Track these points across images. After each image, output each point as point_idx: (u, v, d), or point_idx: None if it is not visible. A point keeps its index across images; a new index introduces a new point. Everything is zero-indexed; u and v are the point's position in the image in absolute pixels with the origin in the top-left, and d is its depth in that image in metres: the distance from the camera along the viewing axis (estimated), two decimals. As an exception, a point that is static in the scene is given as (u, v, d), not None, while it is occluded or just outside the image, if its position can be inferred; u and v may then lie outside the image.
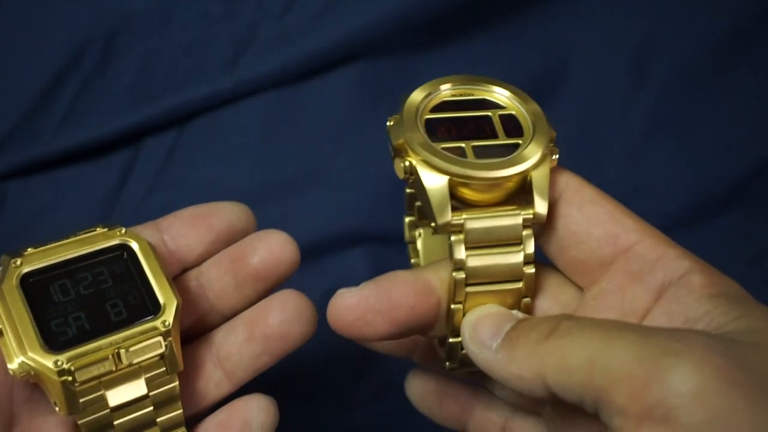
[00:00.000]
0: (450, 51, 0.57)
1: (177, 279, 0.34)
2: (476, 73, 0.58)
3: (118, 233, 0.33)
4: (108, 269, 0.32)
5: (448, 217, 0.29)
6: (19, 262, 0.31)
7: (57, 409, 0.29)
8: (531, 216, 0.29)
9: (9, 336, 0.29)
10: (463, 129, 0.31)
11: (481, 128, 0.31)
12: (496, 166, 0.29)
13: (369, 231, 0.53)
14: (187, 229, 0.35)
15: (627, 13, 0.59)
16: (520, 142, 0.30)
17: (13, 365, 0.28)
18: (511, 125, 0.31)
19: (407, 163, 0.30)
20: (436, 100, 0.32)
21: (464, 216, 0.29)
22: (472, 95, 0.32)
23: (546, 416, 0.33)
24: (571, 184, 0.30)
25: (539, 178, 0.30)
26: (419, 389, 0.37)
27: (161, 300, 0.31)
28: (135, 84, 0.55)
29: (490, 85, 0.32)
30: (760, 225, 0.56)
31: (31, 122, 0.53)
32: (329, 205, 0.54)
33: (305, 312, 0.33)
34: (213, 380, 0.33)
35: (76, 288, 0.31)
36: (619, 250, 0.29)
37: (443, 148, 0.30)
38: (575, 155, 0.58)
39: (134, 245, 0.32)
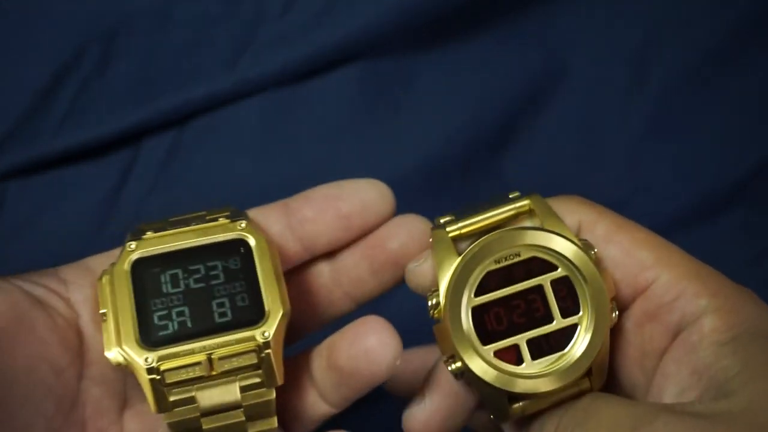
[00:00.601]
0: (450, 51, 0.57)
1: (305, 267, 0.33)
2: (477, 72, 0.58)
3: (239, 226, 0.32)
4: (222, 264, 0.30)
5: (508, 419, 0.28)
6: (133, 246, 0.30)
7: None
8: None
9: (110, 322, 0.28)
10: (513, 313, 0.28)
11: (534, 309, 0.28)
12: (555, 377, 0.27)
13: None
14: (316, 213, 0.33)
15: (627, 14, 0.59)
16: (577, 321, 0.27)
17: (110, 353, 0.28)
18: (565, 295, 0.28)
19: (459, 365, 0.28)
20: (481, 271, 0.28)
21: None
22: (519, 256, 0.28)
23: None
24: (584, 221, 0.29)
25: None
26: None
27: (267, 307, 0.29)
28: (135, 84, 0.55)
29: (537, 231, 0.28)
30: (760, 225, 0.56)
31: (31, 122, 0.53)
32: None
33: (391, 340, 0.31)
34: (310, 399, 0.32)
35: (186, 280, 0.30)
36: (637, 291, 0.28)
37: (496, 353, 0.27)
38: (575, 156, 0.58)
39: (251, 241, 0.31)
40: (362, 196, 0.33)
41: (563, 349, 0.27)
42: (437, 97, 0.57)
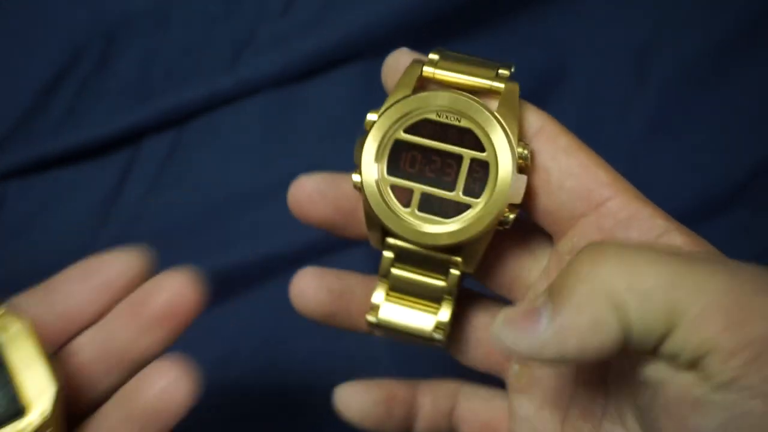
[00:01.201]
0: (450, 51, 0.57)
1: (68, 344, 0.31)
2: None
3: None
4: None
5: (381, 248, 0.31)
6: None
7: None
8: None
9: None
10: (427, 165, 0.29)
11: (445, 172, 0.29)
12: (424, 232, 0.29)
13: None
14: (77, 287, 0.32)
15: (628, 13, 0.59)
16: (472, 204, 0.28)
17: None
18: (477, 177, 0.29)
19: (357, 178, 0.30)
20: (418, 116, 0.29)
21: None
22: (459, 122, 0.29)
23: (513, 375, 0.32)
24: (546, 130, 0.29)
25: (472, 250, 0.29)
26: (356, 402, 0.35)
27: (30, 394, 0.26)
28: (134, 84, 0.55)
29: (488, 113, 0.29)
30: (760, 225, 0.56)
31: (31, 122, 0.53)
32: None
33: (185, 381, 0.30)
34: None
35: None
36: (591, 205, 0.28)
37: (392, 186, 0.29)
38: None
39: (3, 334, 0.28)
40: (122, 264, 0.32)
41: (447, 218, 0.29)
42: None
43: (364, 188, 0.29)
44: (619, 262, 0.23)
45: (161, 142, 0.55)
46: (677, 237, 0.28)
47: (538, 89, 0.58)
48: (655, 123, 0.58)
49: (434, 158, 0.29)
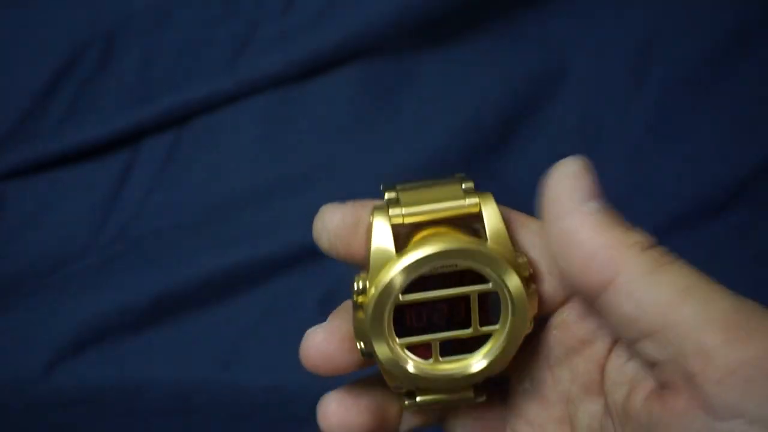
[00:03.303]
0: (450, 51, 0.57)
1: None
2: (477, 72, 0.58)
3: None
4: None
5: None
6: None
7: None
8: None
9: None
10: (434, 314, 0.28)
11: (455, 314, 0.28)
12: (454, 371, 0.27)
13: (369, 231, 0.53)
14: None
15: (627, 14, 0.59)
16: (492, 332, 0.27)
17: None
18: (488, 306, 0.28)
19: (366, 349, 0.28)
20: (416, 275, 0.28)
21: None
22: (456, 266, 0.27)
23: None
24: (512, 219, 0.28)
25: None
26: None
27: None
28: (134, 84, 0.55)
29: (480, 249, 0.27)
30: (760, 225, 0.56)
31: (31, 122, 0.53)
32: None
33: None
34: None
35: None
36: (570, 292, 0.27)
37: (409, 347, 0.28)
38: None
39: None
40: None
41: (471, 352, 0.28)
42: (437, 96, 0.57)
43: (383, 364, 0.28)
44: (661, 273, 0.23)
45: (161, 143, 0.55)
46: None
47: (538, 89, 0.58)
48: (655, 123, 0.58)
49: (440, 306, 0.28)
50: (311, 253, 0.52)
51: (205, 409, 0.49)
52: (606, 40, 0.58)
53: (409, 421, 0.30)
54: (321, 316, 0.52)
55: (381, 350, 0.28)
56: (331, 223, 0.32)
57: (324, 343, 0.30)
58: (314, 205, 0.57)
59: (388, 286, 0.27)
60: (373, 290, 0.28)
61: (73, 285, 0.51)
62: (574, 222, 0.24)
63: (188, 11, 0.55)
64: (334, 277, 0.52)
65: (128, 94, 0.54)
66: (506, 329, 0.27)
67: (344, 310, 0.30)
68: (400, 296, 0.27)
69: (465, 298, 0.27)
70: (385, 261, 0.28)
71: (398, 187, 0.29)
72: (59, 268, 0.52)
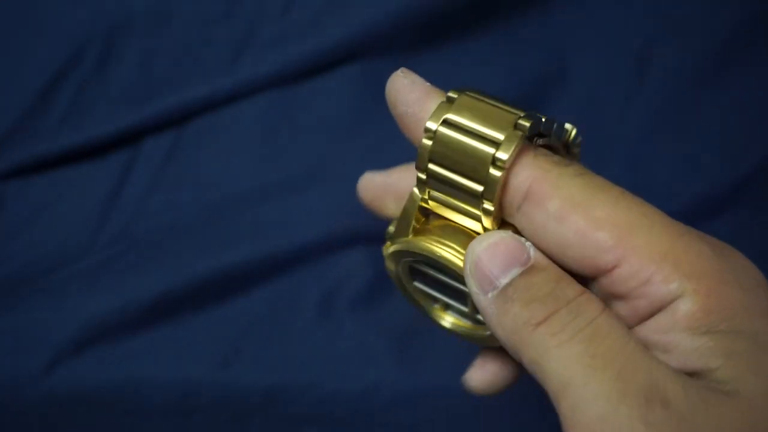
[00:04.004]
0: (450, 51, 0.57)
1: None
2: (477, 72, 0.59)
3: None
4: None
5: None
6: None
7: None
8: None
9: None
10: (441, 286, 0.29)
11: (458, 293, 0.29)
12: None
13: (369, 231, 0.53)
14: None
15: (627, 13, 0.59)
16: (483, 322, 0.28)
17: None
18: None
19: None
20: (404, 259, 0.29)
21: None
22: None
23: None
24: (533, 194, 0.25)
25: None
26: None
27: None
28: (134, 84, 0.55)
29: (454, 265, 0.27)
30: (760, 225, 0.56)
31: (31, 122, 0.53)
32: (329, 204, 0.54)
33: None
34: None
35: None
36: (599, 272, 0.25)
37: (415, 289, 0.30)
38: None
39: None
40: None
41: (468, 321, 0.30)
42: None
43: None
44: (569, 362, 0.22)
45: (161, 142, 0.55)
46: (686, 305, 0.23)
47: (538, 90, 0.58)
48: (655, 123, 0.58)
49: (446, 283, 0.29)
50: (311, 253, 0.52)
51: (205, 409, 0.49)
52: (606, 41, 0.59)
53: None
54: (321, 317, 0.52)
55: (406, 297, 0.30)
56: (372, 183, 0.34)
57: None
58: (314, 205, 0.58)
59: (400, 249, 0.28)
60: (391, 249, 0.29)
61: (73, 285, 0.51)
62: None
63: (188, 11, 0.55)
64: (334, 277, 0.52)
65: (128, 94, 0.54)
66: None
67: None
68: (413, 263, 0.29)
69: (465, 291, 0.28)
70: (401, 233, 0.29)
71: (451, 118, 0.27)
72: (59, 268, 0.52)
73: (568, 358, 0.22)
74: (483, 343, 0.30)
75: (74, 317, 0.50)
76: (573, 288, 0.24)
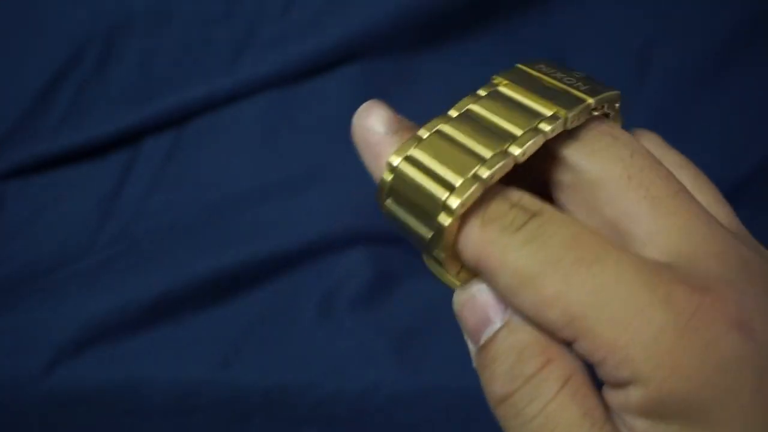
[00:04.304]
0: (450, 51, 0.57)
1: None
2: (477, 71, 0.58)
3: None
4: None
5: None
6: None
7: None
8: None
9: None
10: None
11: None
12: None
13: (369, 231, 0.53)
14: None
15: (627, 13, 0.59)
16: None
17: None
18: None
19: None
20: None
21: None
22: None
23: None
24: (482, 269, 0.23)
25: None
26: None
27: None
28: (134, 84, 0.55)
29: None
30: (760, 225, 0.56)
31: (31, 122, 0.53)
32: (329, 204, 0.54)
33: None
34: None
35: None
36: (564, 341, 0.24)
37: None
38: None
39: None
40: None
41: None
42: (437, 96, 0.57)
43: None
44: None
45: (161, 142, 0.55)
46: (641, 390, 0.22)
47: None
48: (655, 123, 0.58)
49: None
50: (311, 253, 0.52)
51: (205, 409, 0.49)
52: (606, 41, 0.59)
53: None
54: (321, 317, 0.52)
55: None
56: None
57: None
58: (314, 205, 0.58)
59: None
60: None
61: (73, 285, 0.51)
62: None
63: (188, 11, 0.55)
64: (334, 277, 0.52)
65: (128, 94, 0.54)
66: None
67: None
68: None
69: None
70: None
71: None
72: (59, 268, 0.52)
73: None
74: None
75: (74, 317, 0.50)
76: (533, 362, 0.22)
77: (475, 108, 0.26)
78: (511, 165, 0.23)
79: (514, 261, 0.22)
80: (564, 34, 0.59)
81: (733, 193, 0.57)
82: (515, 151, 0.23)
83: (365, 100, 0.58)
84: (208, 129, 0.55)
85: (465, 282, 0.24)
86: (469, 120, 0.25)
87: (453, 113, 0.26)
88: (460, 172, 0.23)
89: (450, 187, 0.23)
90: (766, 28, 0.59)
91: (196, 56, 0.55)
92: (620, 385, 0.22)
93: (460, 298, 0.24)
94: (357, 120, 0.28)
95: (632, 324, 0.21)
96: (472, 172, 0.23)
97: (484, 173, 0.23)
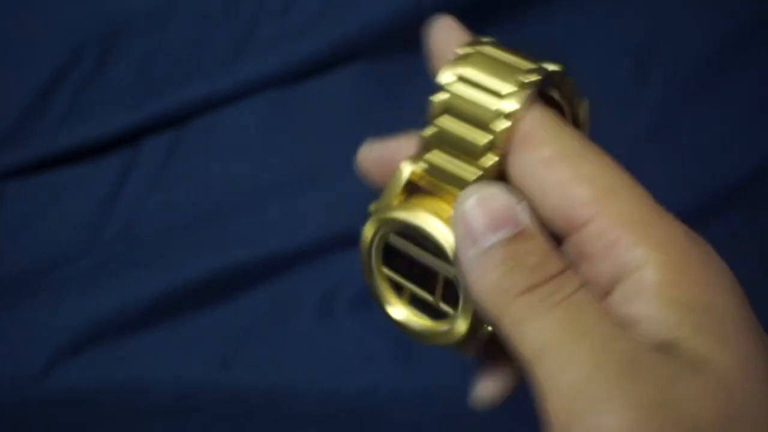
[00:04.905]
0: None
1: None
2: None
3: None
4: None
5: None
6: None
7: None
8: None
9: None
10: (413, 268, 0.28)
11: (427, 279, 0.27)
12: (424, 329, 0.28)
13: (369, 231, 0.53)
14: None
15: (628, 14, 0.59)
16: (449, 314, 0.27)
17: None
18: (451, 291, 0.27)
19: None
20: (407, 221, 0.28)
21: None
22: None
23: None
24: (532, 137, 0.25)
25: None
26: None
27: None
28: (134, 83, 0.55)
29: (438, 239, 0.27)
30: (760, 225, 0.56)
31: (31, 122, 0.53)
32: (329, 204, 0.54)
33: None
34: None
35: None
36: (572, 228, 0.25)
37: (387, 277, 0.28)
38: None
39: None
40: None
41: (433, 319, 0.28)
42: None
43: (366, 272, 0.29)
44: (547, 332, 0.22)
45: (161, 142, 0.55)
46: (654, 274, 0.23)
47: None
48: (655, 123, 0.58)
49: (417, 264, 0.28)
50: (311, 253, 0.52)
51: (205, 409, 0.49)
52: (607, 40, 0.59)
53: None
54: (320, 317, 0.52)
55: (369, 281, 0.29)
56: (370, 153, 0.33)
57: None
58: (314, 205, 0.58)
59: (374, 228, 0.29)
60: (375, 213, 0.29)
61: (73, 285, 0.51)
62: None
63: (188, 11, 0.55)
64: (334, 277, 0.52)
65: (128, 94, 0.54)
66: (457, 321, 0.27)
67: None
68: (392, 235, 0.28)
69: (434, 272, 0.27)
70: (384, 205, 0.29)
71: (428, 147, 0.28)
72: (59, 268, 0.52)
73: (545, 327, 0.22)
74: (430, 341, 0.28)
75: (74, 317, 0.50)
76: (557, 264, 0.23)
77: (486, 50, 0.28)
78: (546, 76, 0.27)
79: (562, 140, 0.26)
80: (564, 34, 0.59)
81: (733, 193, 0.57)
82: (549, 66, 0.27)
83: (365, 100, 0.58)
84: (208, 129, 0.55)
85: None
86: (489, 54, 0.28)
87: (468, 50, 0.28)
88: (512, 80, 0.26)
89: (505, 96, 0.26)
90: (766, 28, 0.59)
91: (196, 56, 0.55)
92: (631, 269, 0.23)
93: (472, 197, 0.24)
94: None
95: (652, 214, 0.24)
96: (524, 78, 0.26)
97: (534, 78, 0.26)
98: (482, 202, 0.24)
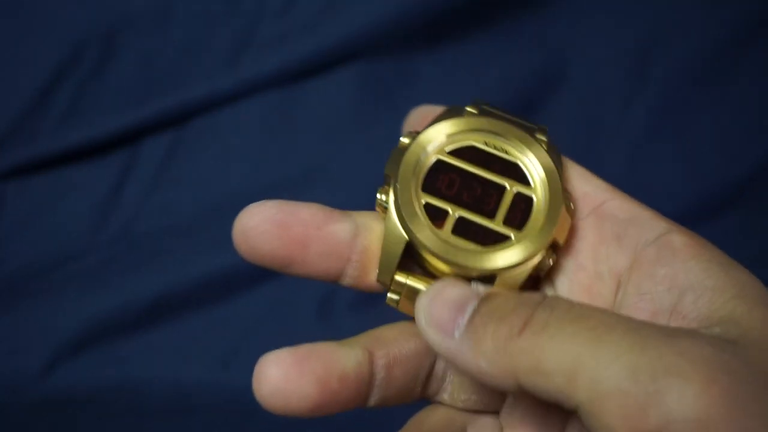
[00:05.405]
0: (450, 51, 0.57)
1: None
2: (477, 71, 0.58)
3: None
4: None
5: (388, 276, 0.27)
6: None
7: None
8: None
9: None
10: (466, 189, 0.27)
11: (485, 201, 0.27)
12: (461, 255, 0.26)
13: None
14: None
15: (627, 13, 0.59)
16: (513, 236, 0.27)
17: None
18: (519, 211, 0.27)
19: (382, 197, 0.28)
20: (462, 141, 0.28)
21: (408, 281, 0.27)
22: (507, 154, 0.27)
23: (506, 409, 0.29)
24: None
25: (507, 281, 0.26)
26: None
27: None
28: (135, 84, 0.55)
29: (533, 151, 0.27)
30: (760, 225, 0.56)
31: (30, 122, 0.53)
32: (329, 204, 0.54)
33: None
34: None
35: None
36: (589, 207, 0.27)
37: (426, 204, 0.27)
38: (575, 155, 0.58)
39: None
40: None
41: (483, 245, 0.27)
42: (437, 96, 0.56)
43: (398, 197, 0.27)
44: (532, 347, 0.22)
45: (161, 142, 0.55)
46: (677, 237, 0.26)
47: (539, 89, 0.58)
48: (655, 123, 0.58)
49: (475, 185, 0.27)
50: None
51: (205, 409, 0.49)
52: (606, 41, 0.59)
53: (381, 391, 0.29)
54: (320, 317, 0.52)
55: (404, 198, 0.27)
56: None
57: (267, 210, 0.29)
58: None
59: (438, 134, 0.28)
60: (422, 134, 0.28)
61: (73, 285, 0.51)
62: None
63: (188, 11, 0.55)
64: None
65: (128, 94, 0.54)
66: (527, 236, 0.26)
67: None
68: (445, 153, 0.27)
69: (500, 192, 0.27)
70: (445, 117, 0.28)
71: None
72: (59, 268, 0.52)
73: (566, 341, 0.21)
74: (473, 269, 0.27)
75: (74, 317, 0.50)
76: (535, 296, 0.23)
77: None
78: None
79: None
80: (564, 34, 0.59)
81: (733, 193, 0.57)
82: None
83: (365, 100, 0.58)
84: (208, 129, 0.55)
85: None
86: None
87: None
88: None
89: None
90: (765, 28, 0.59)
91: (196, 56, 0.55)
92: (656, 236, 0.26)
93: (428, 297, 0.24)
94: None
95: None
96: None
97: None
98: (439, 295, 0.24)
